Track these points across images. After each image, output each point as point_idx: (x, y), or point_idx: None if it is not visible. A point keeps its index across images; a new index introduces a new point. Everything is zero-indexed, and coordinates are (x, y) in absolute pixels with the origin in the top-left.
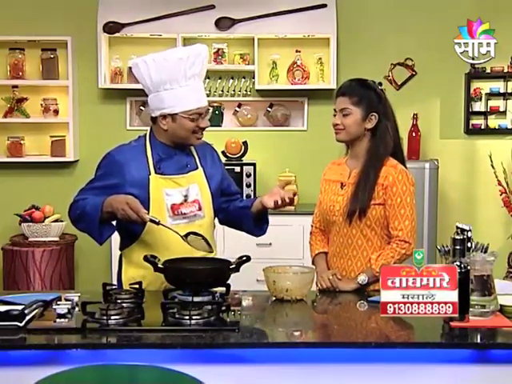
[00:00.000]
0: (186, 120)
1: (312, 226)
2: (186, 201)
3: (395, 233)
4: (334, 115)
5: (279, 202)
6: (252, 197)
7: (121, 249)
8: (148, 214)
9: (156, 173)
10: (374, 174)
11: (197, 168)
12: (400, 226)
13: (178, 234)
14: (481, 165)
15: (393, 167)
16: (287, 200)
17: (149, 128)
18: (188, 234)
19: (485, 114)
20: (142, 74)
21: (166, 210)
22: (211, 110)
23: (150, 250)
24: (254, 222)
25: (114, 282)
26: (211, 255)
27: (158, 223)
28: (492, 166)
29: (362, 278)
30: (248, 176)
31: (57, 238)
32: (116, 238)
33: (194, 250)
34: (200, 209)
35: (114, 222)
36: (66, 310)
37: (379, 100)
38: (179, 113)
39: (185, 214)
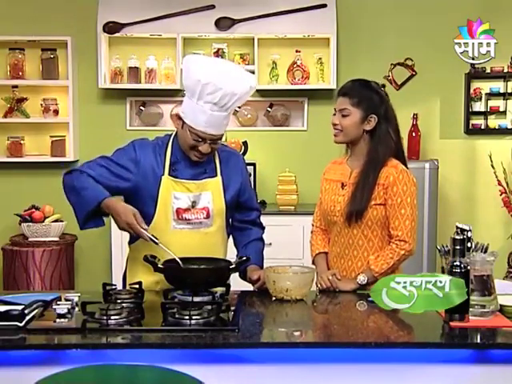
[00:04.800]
0: (189, 134)
1: (313, 225)
2: (193, 207)
3: (395, 233)
4: (334, 114)
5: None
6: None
7: (129, 243)
8: (148, 230)
9: (169, 174)
10: (373, 176)
11: (215, 176)
12: (400, 225)
13: (174, 256)
14: (481, 165)
15: (394, 167)
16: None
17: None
18: (185, 259)
19: (485, 114)
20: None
21: (171, 213)
22: None
23: (156, 248)
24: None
25: (114, 281)
26: None
27: (156, 243)
28: (492, 166)
29: (362, 279)
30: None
31: (57, 238)
32: (116, 237)
33: (197, 252)
34: (208, 217)
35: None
36: (65, 310)
37: (381, 102)
38: (186, 123)
39: (189, 220)
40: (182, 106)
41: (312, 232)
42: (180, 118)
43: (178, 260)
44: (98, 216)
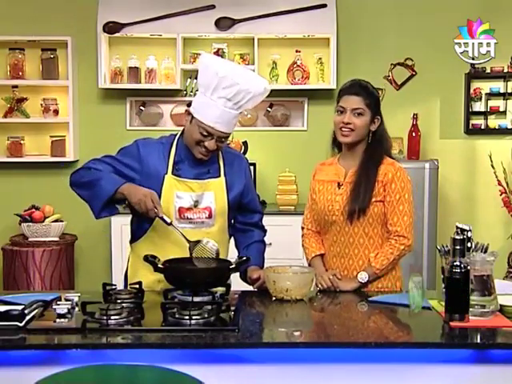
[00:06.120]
0: (197, 129)
1: (303, 228)
2: (195, 206)
3: (394, 228)
4: (341, 111)
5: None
6: None
7: (130, 242)
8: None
9: (172, 173)
10: (373, 173)
11: (218, 176)
12: (399, 221)
13: (187, 239)
14: (481, 165)
15: (391, 165)
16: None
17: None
18: (198, 241)
19: (485, 114)
20: (198, 68)
21: (173, 212)
22: None
23: (157, 248)
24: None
25: (114, 281)
26: None
27: (168, 224)
28: (492, 166)
29: (363, 276)
30: None
31: (57, 238)
32: (116, 237)
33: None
34: (210, 217)
35: (120, 207)
36: (65, 310)
37: (379, 103)
38: (196, 118)
39: (191, 219)
40: (192, 103)
41: (303, 235)
42: (189, 114)
43: (186, 240)
44: (112, 205)
